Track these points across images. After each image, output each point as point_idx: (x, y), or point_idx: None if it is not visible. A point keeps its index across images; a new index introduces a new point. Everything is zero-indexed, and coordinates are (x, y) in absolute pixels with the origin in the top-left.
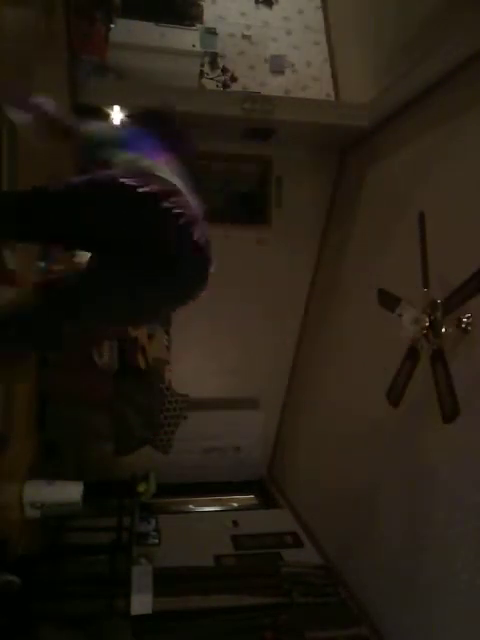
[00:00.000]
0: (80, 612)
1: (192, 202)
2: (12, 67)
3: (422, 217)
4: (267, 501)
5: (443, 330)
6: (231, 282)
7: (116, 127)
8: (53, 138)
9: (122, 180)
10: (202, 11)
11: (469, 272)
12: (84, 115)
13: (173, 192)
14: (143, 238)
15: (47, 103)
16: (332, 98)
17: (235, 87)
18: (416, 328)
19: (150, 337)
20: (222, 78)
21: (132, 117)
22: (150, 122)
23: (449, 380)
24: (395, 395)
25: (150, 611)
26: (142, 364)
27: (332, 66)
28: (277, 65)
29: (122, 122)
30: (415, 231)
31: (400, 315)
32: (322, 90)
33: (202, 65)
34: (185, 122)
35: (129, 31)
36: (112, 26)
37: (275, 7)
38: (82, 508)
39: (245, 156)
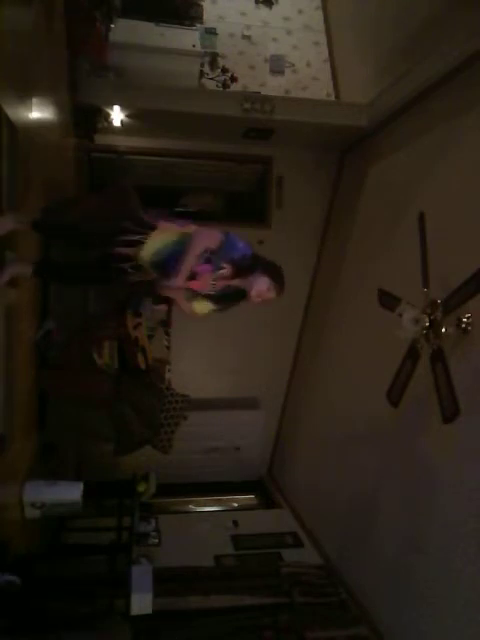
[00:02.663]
0: (80, 612)
1: None
2: (12, 67)
3: (422, 217)
4: (267, 501)
5: (443, 330)
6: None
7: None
8: None
9: None
10: (202, 11)
11: (469, 272)
12: None
13: None
14: None
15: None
16: (332, 98)
17: (235, 87)
18: (416, 328)
19: (150, 337)
20: (222, 78)
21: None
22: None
23: (449, 380)
24: (395, 395)
25: (150, 611)
26: (142, 364)
27: (332, 66)
28: (277, 65)
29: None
30: (415, 231)
31: (400, 315)
32: (322, 90)
33: (202, 65)
34: (185, 122)
35: (129, 31)
36: (112, 26)
37: (275, 7)
38: (82, 508)
39: (245, 156)
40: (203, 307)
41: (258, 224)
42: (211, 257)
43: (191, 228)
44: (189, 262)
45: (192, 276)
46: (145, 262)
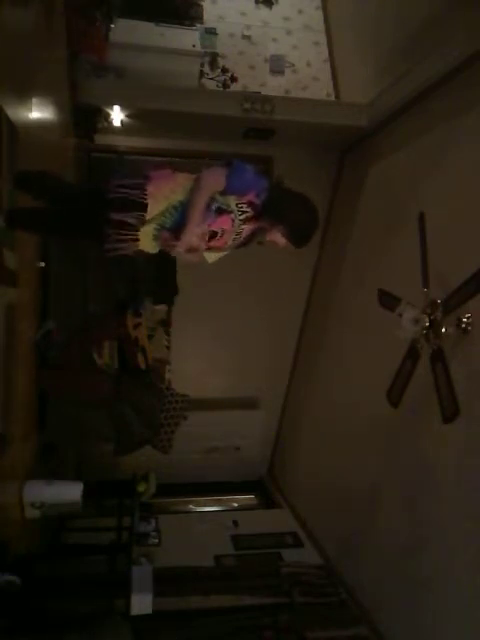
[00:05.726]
0: (80, 612)
1: None
2: (12, 67)
3: (422, 217)
4: (267, 501)
5: (443, 330)
6: (232, 282)
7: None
8: None
9: None
10: (202, 11)
11: (469, 272)
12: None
13: None
14: None
15: None
16: (332, 98)
17: (235, 87)
18: (416, 328)
19: (150, 337)
20: (222, 78)
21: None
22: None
23: (449, 380)
24: (395, 395)
25: (150, 611)
26: (142, 364)
27: (332, 66)
28: (277, 65)
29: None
30: (415, 231)
31: (400, 315)
32: (322, 90)
33: (202, 65)
34: (185, 122)
35: (129, 31)
36: (112, 26)
37: (275, 7)
38: (82, 508)
39: (245, 156)
40: (215, 256)
41: None
42: (221, 205)
43: (191, 178)
44: (196, 217)
45: (213, 235)
46: (151, 227)
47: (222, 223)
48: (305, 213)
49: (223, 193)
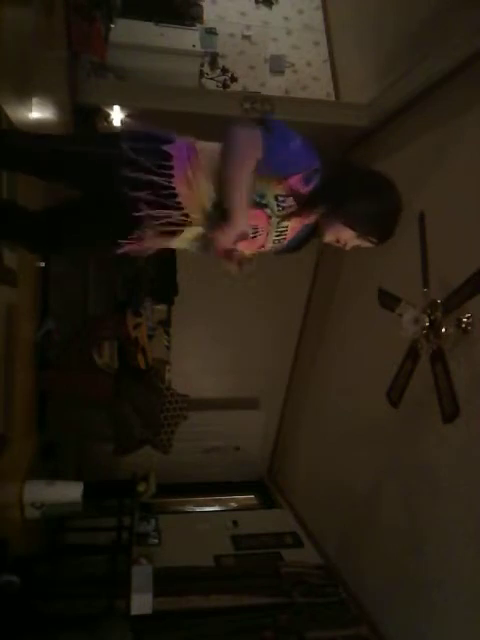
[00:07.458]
0: (80, 612)
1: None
2: (12, 67)
3: (422, 217)
4: (267, 501)
5: (443, 330)
6: (231, 282)
7: None
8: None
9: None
10: (202, 11)
11: (469, 272)
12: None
13: None
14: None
15: None
16: (332, 98)
17: (235, 87)
18: (416, 328)
19: (150, 337)
20: (222, 78)
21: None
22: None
23: (449, 380)
24: (395, 395)
25: (150, 611)
26: (142, 364)
27: (332, 66)
28: (277, 65)
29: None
30: (415, 231)
31: (400, 315)
32: (322, 90)
33: (202, 65)
34: (185, 122)
35: (129, 31)
36: (112, 26)
37: (275, 7)
38: (82, 508)
39: None
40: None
41: None
42: (252, 196)
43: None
44: (243, 196)
45: (242, 235)
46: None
47: (254, 218)
48: (379, 190)
49: (256, 169)
